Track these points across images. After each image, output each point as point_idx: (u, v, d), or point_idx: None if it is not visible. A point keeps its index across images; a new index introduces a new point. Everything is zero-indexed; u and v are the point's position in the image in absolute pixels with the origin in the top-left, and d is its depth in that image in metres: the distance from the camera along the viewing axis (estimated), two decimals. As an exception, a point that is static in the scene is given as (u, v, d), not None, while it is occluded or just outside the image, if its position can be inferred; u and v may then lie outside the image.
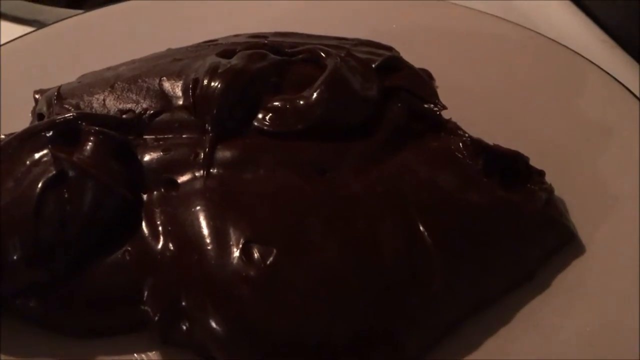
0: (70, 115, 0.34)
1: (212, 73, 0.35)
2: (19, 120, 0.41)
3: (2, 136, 0.36)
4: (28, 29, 0.61)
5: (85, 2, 0.66)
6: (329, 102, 0.35)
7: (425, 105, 0.37)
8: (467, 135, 0.35)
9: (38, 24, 0.62)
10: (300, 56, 0.38)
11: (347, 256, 0.30)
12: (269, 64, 0.36)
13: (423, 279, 0.31)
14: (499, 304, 0.32)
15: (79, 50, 0.48)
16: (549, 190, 0.35)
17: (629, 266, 0.32)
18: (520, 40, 0.45)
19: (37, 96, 0.41)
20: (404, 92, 0.37)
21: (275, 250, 0.30)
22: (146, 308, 0.30)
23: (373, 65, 0.37)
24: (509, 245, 0.33)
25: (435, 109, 0.36)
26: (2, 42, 0.56)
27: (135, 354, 0.31)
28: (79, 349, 0.31)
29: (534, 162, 0.35)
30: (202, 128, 0.34)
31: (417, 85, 0.37)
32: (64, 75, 0.42)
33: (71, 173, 0.31)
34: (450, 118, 0.37)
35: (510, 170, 0.35)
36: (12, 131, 0.39)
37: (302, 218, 0.31)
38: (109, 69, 0.41)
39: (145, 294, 0.31)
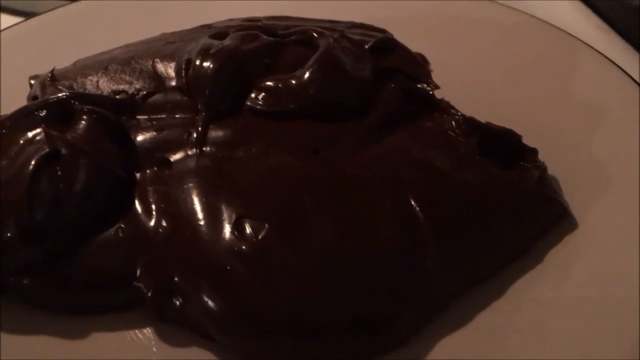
0: (64, 95, 0.34)
1: (205, 53, 0.35)
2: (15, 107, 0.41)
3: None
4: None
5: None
6: (321, 81, 0.35)
7: (419, 86, 0.37)
8: (460, 114, 0.35)
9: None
10: (292, 37, 0.38)
11: (340, 234, 0.30)
12: (261, 45, 0.36)
13: (417, 256, 0.31)
14: (493, 279, 0.32)
15: (75, 38, 0.48)
16: (542, 168, 0.35)
17: (621, 241, 0.32)
18: (515, 22, 0.45)
19: (32, 82, 0.41)
20: (397, 72, 0.37)
21: (267, 226, 0.30)
22: (140, 285, 0.30)
23: (366, 46, 0.37)
24: (503, 223, 0.33)
25: (428, 88, 0.36)
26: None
27: (130, 331, 0.31)
28: (74, 325, 0.31)
29: (528, 142, 0.35)
30: (195, 108, 0.35)
31: (411, 66, 0.37)
32: (61, 62, 0.42)
33: (64, 151, 0.31)
34: (443, 98, 0.37)
35: (504, 149, 0.35)
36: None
37: (294, 195, 0.31)
38: (103, 53, 0.41)
39: (139, 270, 0.31)
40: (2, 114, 0.42)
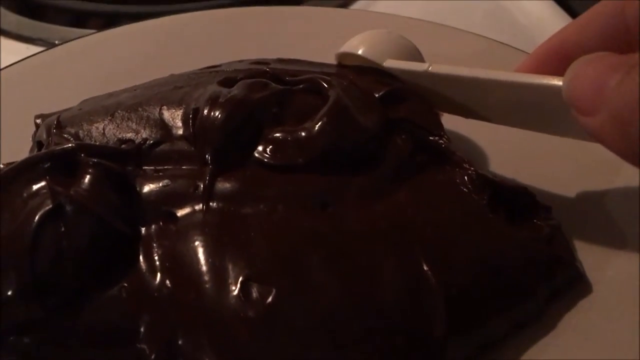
0: (69, 146, 0.34)
1: (213, 103, 0.35)
2: (21, 143, 0.41)
3: (1, 165, 0.36)
4: (31, 46, 0.62)
5: (89, 20, 0.66)
6: (331, 134, 0.34)
7: (431, 138, 0.36)
8: (472, 168, 0.35)
9: (41, 42, 0.62)
10: (301, 86, 0.37)
11: (348, 297, 0.30)
12: (270, 94, 0.36)
13: (426, 319, 0.30)
14: (505, 345, 0.31)
15: (81, 74, 0.48)
16: (556, 226, 0.34)
17: (637, 308, 0.31)
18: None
19: (37, 121, 0.41)
20: (408, 123, 0.36)
21: (274, 290, 0.29)
22: (142, 346, 0.30)
23: (377, 95, 0.36)
24: (515, 286, 0.32)
25: (441, 141, 0.36)
26: (4, 60, 0.56)
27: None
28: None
29: (540, 197, 0.35)
30: (202, 159, 0.34)
31: (422, 117, 0.36)
32: (66, 98, 0.42)
33: (68, 207, 0.31)
34: (455, 150, 0.36)
35: (516, 205, 0.34)
36: (13, 155, 0.39)
37: (302, 256, 0.31)
38: (110, 95, 0.41)
39: (142, 331, 0.30)
40: (4, 149, 0.42)
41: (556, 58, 0.33)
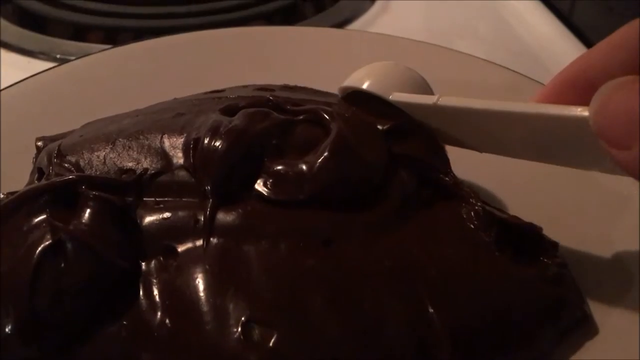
0: (70, 178, 0.33)
1: (214, 133, 0.34)
2: (21, 165, 0.40)
3: (2, 195, 0.36)
4: (34, 60, 0.61)
5: (90, 33, 0.66)
6: (332, 170, 0.33)
7: (436, 174, 0.35)
8: (479, 204, 0.34)
9: (44, 56, 0.62)
10: (301, 117, 0.36)
11: (351, 339, 0.29)
12: (271, 124, 0.35)
13: (430, 361, 0.29)
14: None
15: (83, 94, 0.47)
16: (562, 264, 0.33)
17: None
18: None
19: (39, 144, 0.40)
20: (413, 159, 0.35)
21: (276, 333, 0.29)
22: (142, 387, 0.29)
23: (381, 129, 0.36)
24: (521, 326, 0.31)
25: (447, 178, 0.35)
26: (4, 72, 0.55)
27: None
28: None
29: (546, 231, 0.34)
30: (203, 191, 0.33)
31: (428, 152, 0.36)
32: (68, 119, 0.41)
33: (68, 243, 0.30)
34: (462, 183, 0.35)
35: (523, 242, 0.34)
36: (13, 177, 0.39)
37: (304, 296, 0.30)
38: (112, 121, 0.40)
39: (142, 371, 0.29)
40: (7, 170, 0.41)
41: (578, 86, 0.30)
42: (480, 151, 0.36)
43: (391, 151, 0.35)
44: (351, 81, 0.37)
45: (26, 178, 0.39)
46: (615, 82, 0.24)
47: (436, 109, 0.34)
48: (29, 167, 0.40)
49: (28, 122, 0.45)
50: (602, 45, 0.30)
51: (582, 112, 0.27)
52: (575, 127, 0.27)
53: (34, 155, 0.41)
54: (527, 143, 0.32)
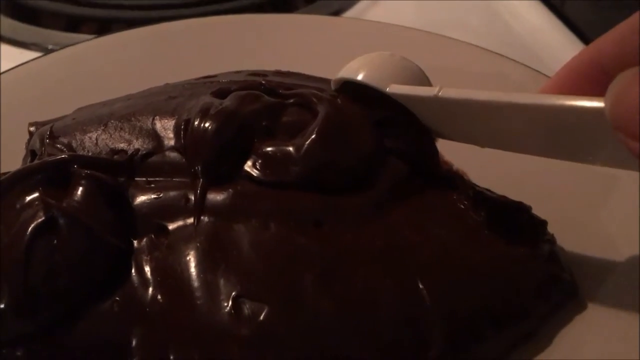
0: (62, 158, 0.33)
1: (204, 114, 0.34)
2: (15, 151, 0.40)
3: (-3, 176, 0.36)
4: (27, 51, 0.61)
5: (83, 25, 0.66)
6: (318, 153, 0.33)
7: (427, 165, 0.35)
8: (470, 186, 0.34)
9: (37, 47, 0.62)
10: (291, 100, 0.36)
11: (342, 317, 0.29)
12: (261, 107, 0.35)
13: (422, 339, 0.30)
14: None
15: (76, 81, 0.48)
16: (552, 241, 0.34)
17: (632, 324, 0.31)
18: (522, 80, 0.45)
19: (31, 129, 0.40)
20: (404, 145, 0.35)
21: (266, 308, 0.29)
22: (135, 361, 0.29)
23: (372, 118, 0.35)
24: (512, 304, 0.32)
25: (437, 168, 0.35)
26: (1, 65, 0.55)
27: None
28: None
29: (535, 210, 0.34)
30: (193, 171, 0.34)
31: (418, 139, 0.35)
32: (61, 106, 0.41)
33: (61, 220, 0.30)
34: (452, 167, 0.36)
35: (513, 220, 0.34)
36: (6, 162, 0.39)
37: (295, 273, 0.30)
38: (104, 104, 0.40)
39: (133, 346, 0.30)
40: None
41: (589, 75, 0.29)
42: (482, 146, 0.34)
43: (382, 141, 0.35)
44: (346, 72, 0.36)
45: (19, 164, 0.39)
46: (633, 71, 0.22)
47: (436, 102, 0.32)
48: (22, 152, 0.41)
49: (21, 109, 0.45)
50: (613, 34, 0.28)
51: (596, 102, 0.25)
52: (589, 119, 0.25)
53: (26, 141, 0.41)
54: (534, 137, 0.30)
